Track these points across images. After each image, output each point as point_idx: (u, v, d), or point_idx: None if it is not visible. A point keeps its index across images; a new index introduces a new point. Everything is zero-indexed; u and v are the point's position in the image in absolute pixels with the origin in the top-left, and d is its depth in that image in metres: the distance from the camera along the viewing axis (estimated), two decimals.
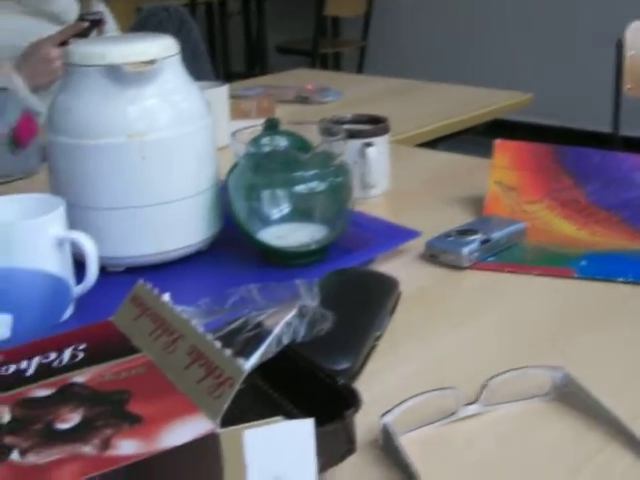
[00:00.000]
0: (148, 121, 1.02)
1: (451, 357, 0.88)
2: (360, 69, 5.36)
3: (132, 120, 1.01)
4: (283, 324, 0.68)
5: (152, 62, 1.01)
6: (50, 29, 1.94)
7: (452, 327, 0.94)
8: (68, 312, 0.95)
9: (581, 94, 4.69)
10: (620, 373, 0.84)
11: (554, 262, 1.09)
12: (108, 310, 0.77)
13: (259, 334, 0.67)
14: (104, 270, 1.00)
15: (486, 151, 1.32)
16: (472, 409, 0.77)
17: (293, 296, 0.71)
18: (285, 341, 0.67)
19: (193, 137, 1.06)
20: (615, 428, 0.73)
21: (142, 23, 2.48)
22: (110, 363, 0.65)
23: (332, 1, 5.03)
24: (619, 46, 2.55)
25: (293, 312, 0.69)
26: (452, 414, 0.76)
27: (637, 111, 2.80)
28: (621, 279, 1.04)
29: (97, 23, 1.84)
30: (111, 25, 2.08)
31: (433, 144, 1.88)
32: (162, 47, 1.05)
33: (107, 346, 0.67)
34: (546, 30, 4.85)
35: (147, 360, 0.64)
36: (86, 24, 1.81)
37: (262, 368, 0.67)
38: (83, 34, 1.78)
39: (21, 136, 1.47)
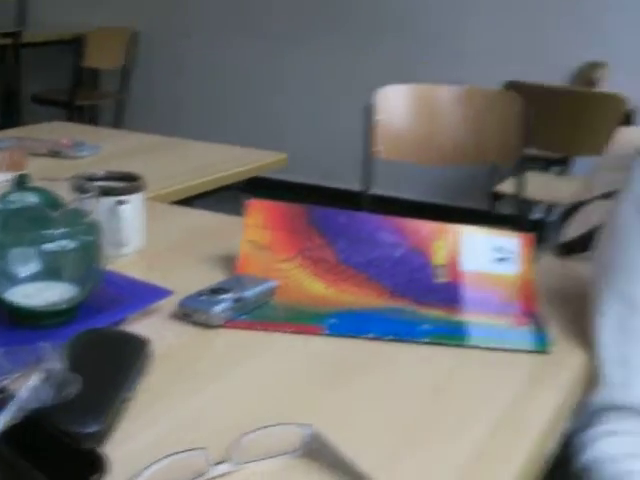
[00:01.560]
0: None
1: (203, 416, 0.88)
2: (119, 122, 5.32)
3: None
4: (28, 388, 0.66)
5: None
6: None
7: (203, 386, 0.95)
8: None
9: (335, 155, 4.86)
10: (365, 426, 0.88)
11: (305, 320, 1.12)
12: None
13: (2, 399, 0.66)
14: None
15: (242, 207, 1.34)
16: (222, 468, 0.77)
17: (38, 359, 0.70)
18: (30, 406, 0.66)
19: None
20: None
21: None
22: None
23: (91, 52, 4.98)
24: (368, 111, 2.68)
25: (38, 376, 0.67)
26: (201, 475, 0.76)
27: (384, 172, 2.93)
28: (368, 335, 1.08)
29: None
30: None
31: (190, 201, 1.89)
32: None
33: None
34: (301, 92, 5.00)
35: None
36: None
37: (6, 434, 0.65)
38: None
39: None
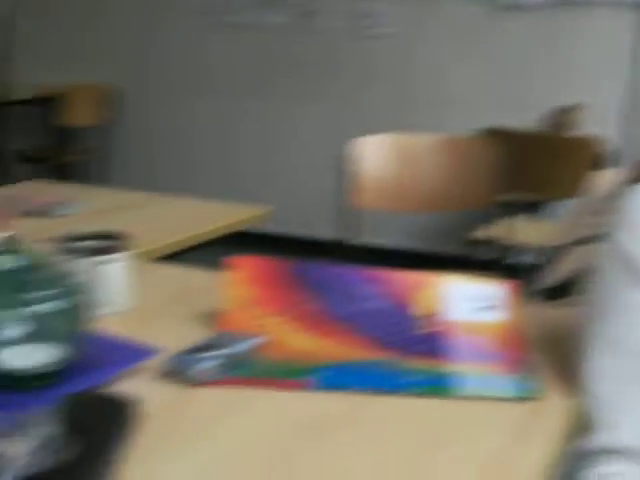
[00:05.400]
0: None
1: (190, 476, 0.88)
2: (99, 179, 5.33)
3: None
4: (26, 454, 0.66)
5: None
6: None
7: (190, 446, 0.95)
8: None
9: (311, 205, 4.90)
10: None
11: (291, 375, 1.12)
12: None
13: (1, 465, 0.66)
14: None
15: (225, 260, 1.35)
16: None
17: (35, 424, 0.70)
18: (27, 471, 0.66)
19: None
20: None
21: None
22: None
23: (70, 110, 5.01)
24: (341, 161, 2.71)
25: (36, 442, 0.67)
26: None
27: (364, 220, 2.95)
28: (354, 388, 1.09)
29: None
30: None
31: (174, 257, 1.89)
32: None
33: None
34: (273, 147, 5.05)
35: None
36: None
37: None
38: None
39: None
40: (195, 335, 1.20)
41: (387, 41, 4.68)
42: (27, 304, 1.01)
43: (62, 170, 5.37)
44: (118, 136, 5.44)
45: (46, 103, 5.22)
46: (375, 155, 2.79)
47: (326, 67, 4.84)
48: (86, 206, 2.09)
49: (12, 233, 1.19)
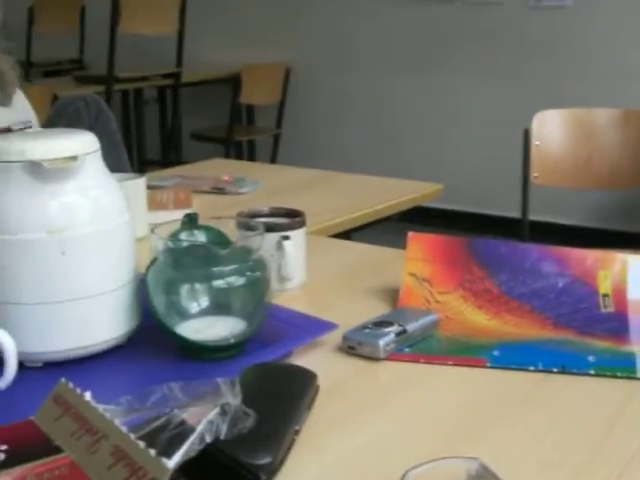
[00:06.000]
0: (68, 217, 1.03)
1: (369, 450, 0.89)
2: (274, 156, 5.43)
3: (52, 216, 1.02)
4: (206, 422, 0.68)
5: (73, 159, 1.02)
6: None
7: (369, 419, 0.96)
8: None
9: (492, 182, 4.82)
10: (533, 460, 0.87)
11: (467, 352, 1.12)
12: (25, 406, 0.77)
13: (182, 432, 0.68)
14: (21, 365, 0.99)
15: (401, 237, 1.36)
16: None
17: (215, 394, 0.72)
18: (208, 439, 0.68)
19: (112, 233, 1.07)
20: None
21: (59, 112, 2.49)
22: (33, 464, 0.65)
23: (247, 89, 5.11)
24: (526, 135, 2.65)
25: (215, 410, 0.70)
26: None
27: (543, 198, 2.89)
28: (532, 368, 1.07)
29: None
30: (34, 122, 2.07)
31: (348, 234, 1.91)
32: (83, 143, 1.06)
33: (29, 446, 0.67)
34: (457, 120, 4.99)
35: (70, 460, 0.65)
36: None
37: (184, 464, 0.67)
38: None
39: None
40: (370, 311, 1.21)
41: (565, 12, 4.56)
42: (211, 278, 1.05)
43: (238, 149, 5.50)
44: (293, 114, 5.51)
45: (224, 83, 5.35)
46: (555, 130, 2.73)
47: (502, 40, 4.76)
48: (263, 184, 2.13)
49: (193, 210, 1.23)
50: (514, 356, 1.11)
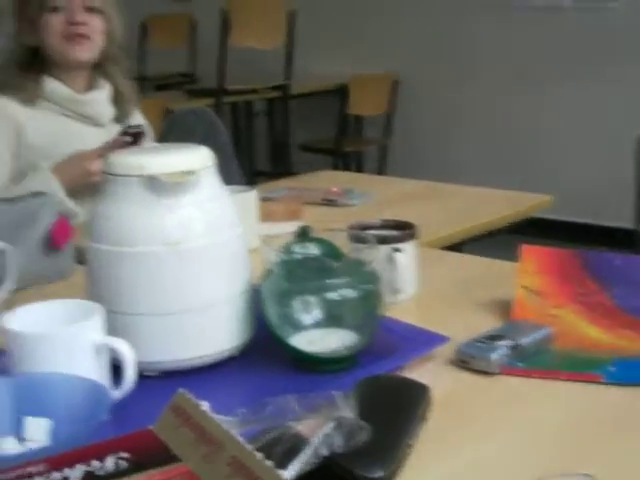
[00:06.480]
0: (184, 230, 1.05)
1: (482, 465, 0.89)
2: (381, 168, 5.43)
3: (169, 229, 1.05)
4: (322, 436, 0.69)
5: (190, 173, 1.05)
6: (85, 131, 2.01)
7: (482, 434, 0.95)
8: (104, 417, 0.96)
9: (605, 192, 4.72)
10: None
11: (582, 367, 1.10)
12: (143, 414, 0.79)
13: (297, 444, 0.69)
14: (139, 374, 1.02)
15: (512, 249, 1.34)
16: None
17: (330, 407, 0.73)
18: (324, 452, 0.69)
19: (227, 245, 1.09)
20: None
21: (171, 126, 2.54)
22: (152, 472, 0.66)
23: (355, 100, 5.13)
24: (627, 147, 2.59)
25: (331, 424, 0.70)
26: None
27: None
28: None
29: (138, 136, 1.88)
30: (150, 136, 2.13)
31: (458, 246, 1.90)
32: (199, 158, 1.08)
33: (149, 455, 0.69)
34: (568, 130, 4.91)
35: (187, 469, 0.66)
36: (128, 138, 1.86)
37: (298, 476, 0.68)
38: (125, 148, 1.83)
39: (56, 239, 1.50)
40: (481, 324, 1.20)
41: None
42: (325, 290, 1.06)
43: (346, 160, 5.51)
44: (400, 125, 5.50)
45: (332, 94, 5.38)
46: None
47: (611, 48, 4.66)
48: (372, 195, 2.13)
49: (304, 222, 1.25)
50: (631, 372, 1.08)
